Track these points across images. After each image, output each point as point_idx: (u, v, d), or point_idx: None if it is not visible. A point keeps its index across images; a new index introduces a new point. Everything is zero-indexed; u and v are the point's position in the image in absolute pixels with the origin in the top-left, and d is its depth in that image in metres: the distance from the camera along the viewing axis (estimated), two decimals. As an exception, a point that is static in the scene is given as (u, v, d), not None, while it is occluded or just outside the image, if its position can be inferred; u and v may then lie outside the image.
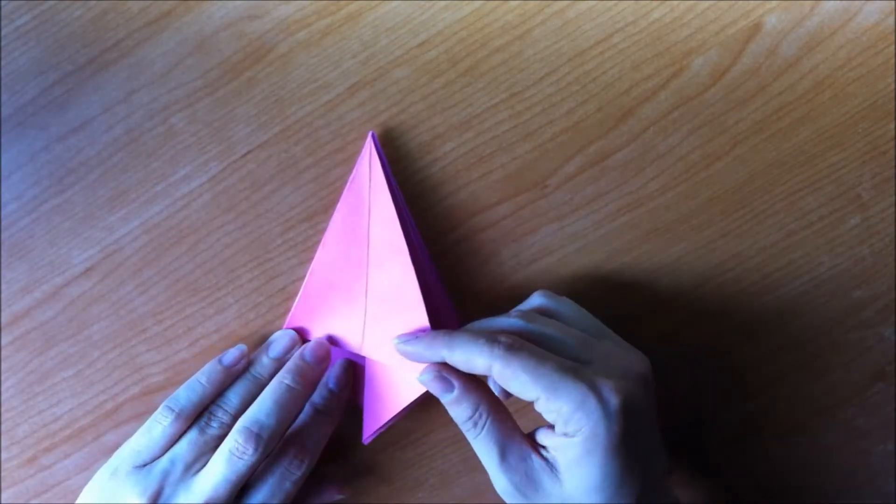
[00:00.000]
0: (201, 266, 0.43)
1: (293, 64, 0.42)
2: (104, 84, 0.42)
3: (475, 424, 0.37)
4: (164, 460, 0.39)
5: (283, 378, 0.40)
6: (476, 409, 0.37)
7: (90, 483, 0.41)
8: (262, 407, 0.39)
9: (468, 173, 0.43)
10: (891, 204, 0.43)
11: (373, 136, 0.40)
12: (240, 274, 0.43)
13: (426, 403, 0.45)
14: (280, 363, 0.42)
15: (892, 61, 0.42)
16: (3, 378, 0.44)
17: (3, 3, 0.42)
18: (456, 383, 0.38)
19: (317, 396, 0.42)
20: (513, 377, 0.35)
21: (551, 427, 0.37)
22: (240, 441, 0.38)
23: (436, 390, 0.38)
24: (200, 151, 0.43)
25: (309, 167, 0.43)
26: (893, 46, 0.42)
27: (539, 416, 0.36)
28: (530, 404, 0.36)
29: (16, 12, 0.42)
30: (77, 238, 0.43)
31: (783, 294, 0.44)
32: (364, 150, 0.40)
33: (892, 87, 0.42)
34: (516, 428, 0.38)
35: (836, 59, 0.42)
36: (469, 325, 0.39)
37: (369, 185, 0.40)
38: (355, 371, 0.43)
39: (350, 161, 0.43)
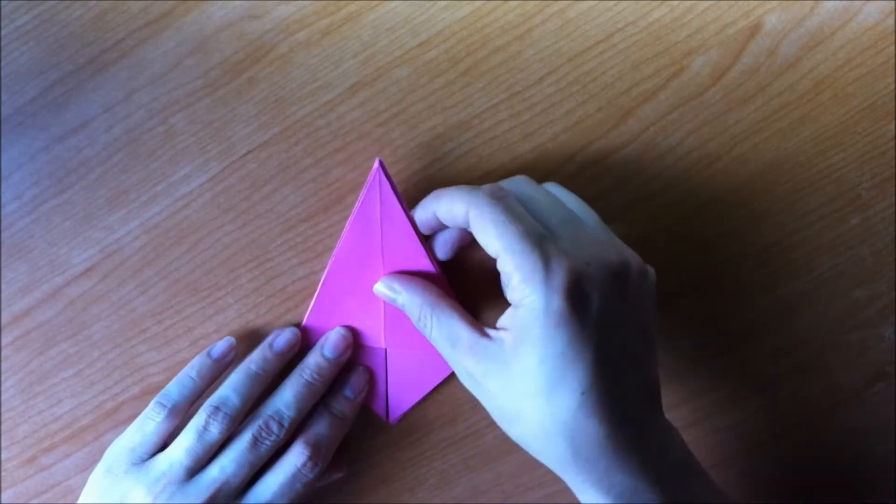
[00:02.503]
0: (201, 266, 0.43)
1: (293, 64, 0.42)
2: (104, 84, 0.42)
3: (424, 324, 0.38)
4: (163, 462, 0.39)
5: (302, 373, 0.41)
6: (420, 310, 0.38)
7: (88, 485, 0.41)
8: (284, 399, 0.40)
9: (468, 173, 0.43)
10: (891, 204, 0.43)
11: (380, 163, 0.39)
12: (240, 274, 0.43)
13: (426, 404, 0.45)
14: (282, 358, 0.42)
15: (892, 61, 0.42)
16: (3, 378, 0.44)
17: (3, 3, 0.42)
18: (400, 288, 0.39)
19: (334, 401, 0.42)
20: (482, 227, 0.35)
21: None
22: (263, 428, 0.40)
23: (386, 298, 0.40)
24: (200, 151, 0.43)
25: (309, 167, 0.43)
26: (893, 46, 0.42)
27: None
28: None
29: (16, 12, 0.42)
30: (77, 238, 0.43)
31: (783, 294, 0.44)
32: (372, 178, 0.39)
33: (892, 87, 0.42)
34: (468, 320, 0.37)
35: (836, 59, 0.42)
36: None
37: (380, 208, 0.39)
38: (371, 378, 0.44)
39: (350, 161, 0.43)
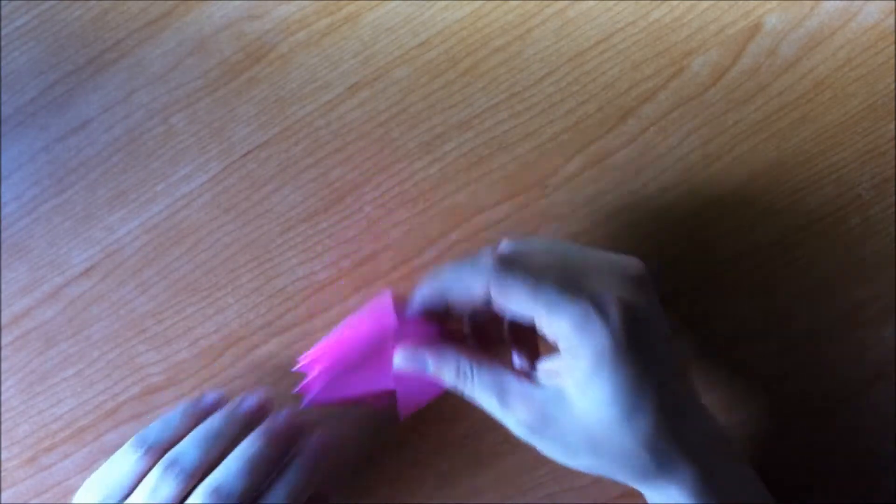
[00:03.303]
0: (201, 266, 0.43)
1: (293, 64, 0.42)
2: (104, 84, 0.42)
3: (464, 382, 0.37)
4: None
5: (256, 438, 0.37)
6: (457, 369, 0.37)
7: None
8: (229, 469, 0.36)
9: (468, 173, 0.43)
10: (891, 204, 0.43)
11: (390, 300, 0.37)
12: (240, 274, 0.43)
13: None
14: (246, 424, 0.38)
15: (892, 61, 0.42)
16: (3, 378, 0.44)
17: (3, 3, 0.42)
18: (428, 355, 0.37)
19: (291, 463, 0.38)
20: (511, 294, 0.35)
21: (553, 351, 0.36)
22: (206, 500, 0.36)
23: (413, 369, 0.38)
24: (200, 151, 0.43)
25: (309, 167, 0.43)
26: (893, 46, 0.42)
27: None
28: None
29: (16, 12, 0.42)
30: (77, 238, 0.43)
31: (783, 294, 0.44)
32: (382, 312, 0.37)
33: (892, 87, 0.42)
34: (509, 370, 0.37)
35: (836, 59, 0.42)
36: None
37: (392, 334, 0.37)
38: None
39: (350, 161, 0.43)
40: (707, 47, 0.42)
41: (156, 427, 0.38)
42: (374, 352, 0.38)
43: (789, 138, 0.43)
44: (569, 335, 0.34)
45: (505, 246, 0.38)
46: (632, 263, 0.37)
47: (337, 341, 0.38)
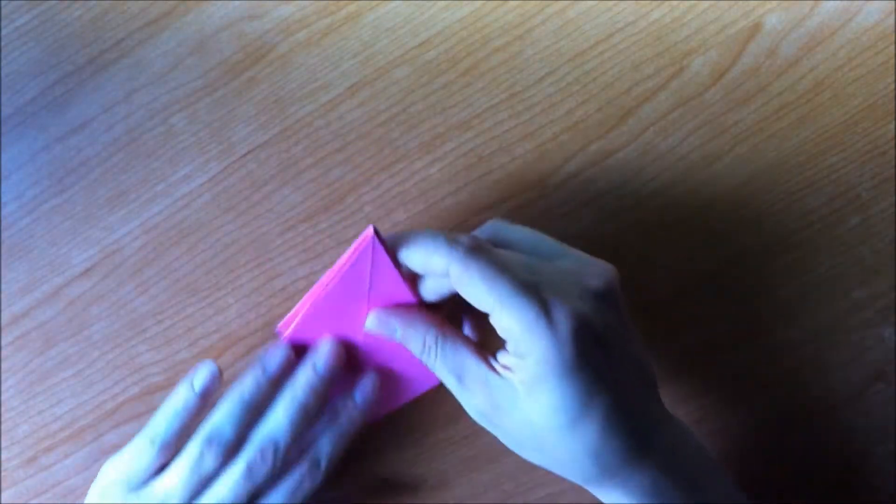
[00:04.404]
0: (201, 266, 0.43)
1: (293, 64, 0.42)
2: (104, 84, 0.42)
3: (427, 356, 0.37)
4: (158, 492, 0.38)
5: (295, 394, 0.38)
6: (423, 342, 0.37)
7: None
8: (279, 425, 0.38)
9: (468, 173, 0.43)
10: (891, 204, 0.43)
11: (374, 231, 0.36)
12: (240, 274, 0.43)
13: (426, 404, 0.45)
14: (278, 384, 0.39)
15: (892, 61, 0.42)
16: (3, 378, 0.44)
17: (3, 3, 0.42)
18: (397, 323, 0.37)
19: (342, 409, 0.40)
20: (469, 283, 0.34)
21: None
22: (258, 457, 0.37)
23: (381, 334, 0.38)
24: (200, 151, 0.43)
25: (309, 167, 0.43)
26: (893, 46, 0.42)
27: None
28: None
29: (16, 12, 0.42)
30: (77, 238, 0.43)
31: (783, 294, 0.44)
32: (364, 248, 0.36)
33: (892, 87, 0.42)
34: (476, 352, 0.36)
35: (836, 59, 0.42)
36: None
37: (370, 271, 0.37)
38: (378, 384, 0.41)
39: (350, 161, 0.43)
40: (707, 47, 0.42)
41: (162, 422, 0.38)
42: (353, 289, 0.37)
43: (789, 138, 0.43)
44: (517, 337, 0.34)
45: (488, 227, 0.38)
46: (602, 273, 0.36)
47: (319, 283, 0.38)
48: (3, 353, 0.44)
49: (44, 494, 0.45)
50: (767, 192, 0.43)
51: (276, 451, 0.38)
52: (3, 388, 0.44)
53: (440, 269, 0.35)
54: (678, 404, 0.45)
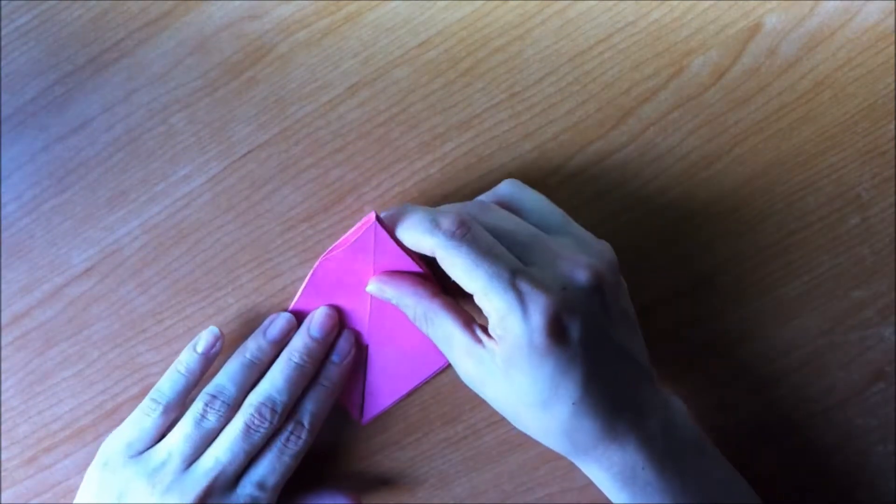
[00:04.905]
0: (201, 266, 0.43)
1: (293, 64, 0.42)
2: (104, 84, 0.42)
3: (422, 325, 0.39)
4: (161, 452, 0.40)
5: (291, 356, 0.41)
6: (414, 311, 0.39)
7: (85, 480, 0.41)
8: (275, 384, 0.40)
9: (468, 173, 0.43)
10: (891, 204, 0.43)
11: (377, 217, 0.38)
12: (240, 274, 0.43)
13: (426, 404, 0.45)
14: (277, 347, 0.42)
15: (892, 61, 0.42)
16: (3, 378, 0.44)
17: (3, 3, 0.42)
18: (390, 291, 0.39)
19: (322, 370, 0.42)
20: (452, 267, 0.36)
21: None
22: (255, 416, 0.40)
23: (380, 297, 0.40)
24: (200, 151, 0.43)
25: (309, 167, 0.43)
26: (893, 46, 0.42)
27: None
28: None
29: (16, 12, 0.42)
30: (77, 238, 0.43)
31: (783, 294, 0.44)
32: (367, 231, 0.38)
33: (892, 87, 0.42)
34: (462, 321, 0.38)
35: (836, 59, 0.42)
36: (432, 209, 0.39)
37: (374, 247, 0.39)
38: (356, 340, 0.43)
39: (350, 161, 0.43)
40: (707, 47, 0.42)
41: (166, 383, 0.41)
42: (354, 266, 0.40)
43: (789, 138, 0.43)
44: (495, 321, 0.36)
45: (503, 187, 0.41)
46: (594, 260, 0.37)
47: (322, 258, 0.41)
48: (3, 353, 0.44)
49: (44, 494, 0.45)
50: (767, 192, 0.43)
51: (273, 408, 0.40)
52: (3, 388, 0.44)
53: (428, 250, 0.37)
54: (678, 404, 0.45)
